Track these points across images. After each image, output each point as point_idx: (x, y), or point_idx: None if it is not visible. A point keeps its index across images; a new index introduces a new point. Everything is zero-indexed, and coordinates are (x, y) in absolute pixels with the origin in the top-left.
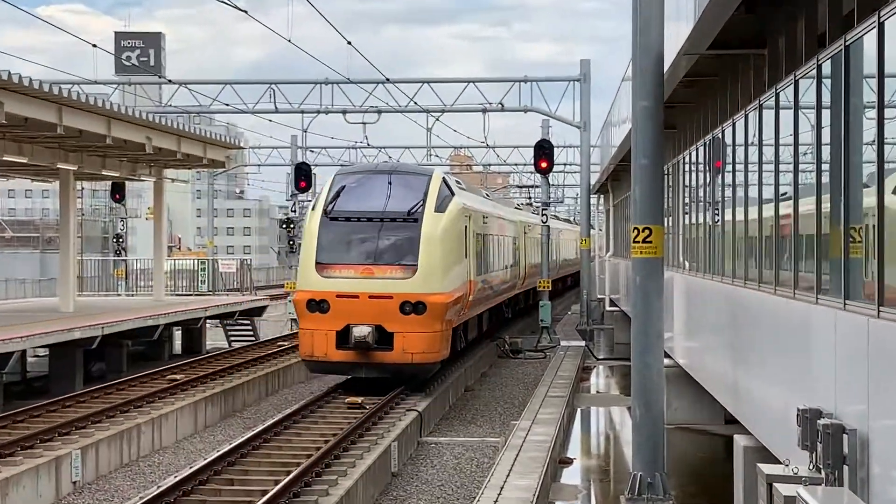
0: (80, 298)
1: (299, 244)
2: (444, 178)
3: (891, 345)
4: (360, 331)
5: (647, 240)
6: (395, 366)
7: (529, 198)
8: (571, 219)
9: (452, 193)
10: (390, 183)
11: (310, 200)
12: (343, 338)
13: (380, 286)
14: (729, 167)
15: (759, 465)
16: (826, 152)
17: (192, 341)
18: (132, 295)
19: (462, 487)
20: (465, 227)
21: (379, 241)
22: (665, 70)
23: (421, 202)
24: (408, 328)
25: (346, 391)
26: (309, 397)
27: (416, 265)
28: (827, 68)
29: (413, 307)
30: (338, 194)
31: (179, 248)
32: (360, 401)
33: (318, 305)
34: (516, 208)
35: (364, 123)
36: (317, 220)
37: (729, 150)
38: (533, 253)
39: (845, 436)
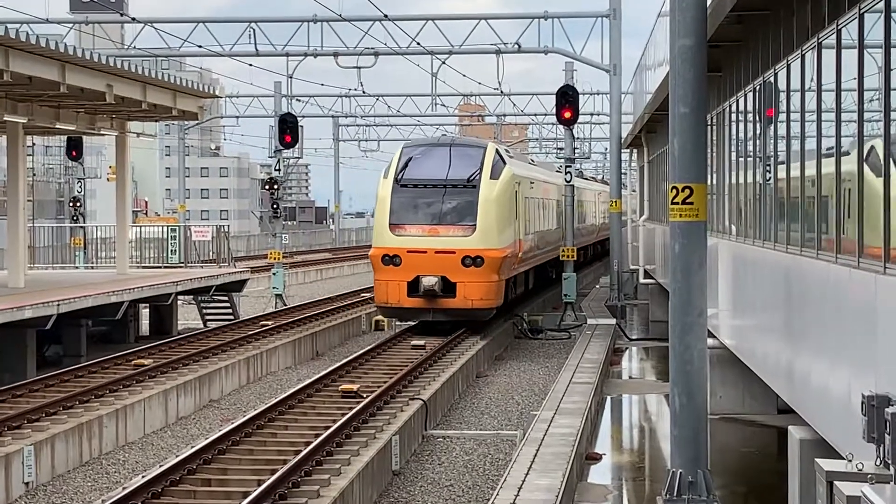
0: (32, 272)
1: (288, 209)
2: (496, 149)
3: None
4: (428, 281)
5: (688, 201)
6: (457, 310)
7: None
8: (600, 177)
9: (504, 162)
10: (451, 154)
11: (296, 157)
12: (413, 287)
13: (444, 243)
14: (783, 116)
15: (817, 460)
16: None
17: (161, 321)
18: (92, 267)
19: (474, 488)
20: (515, 192)
21: (443, 205)
22: (708, 3)
23: (478, 170)
24: (468, 279)
25: (341, 378)
26: (297, 384)
27: (475, 225)
28: None
29: (472, 261)
30: (406, 164)
31: (146, 214)
32: (355, 388)
33: (391, 260)
34: (557, 171)
35: (359, 68)
36: (389, 186)
37: (783, 96)
38: (602, 215)
39: None
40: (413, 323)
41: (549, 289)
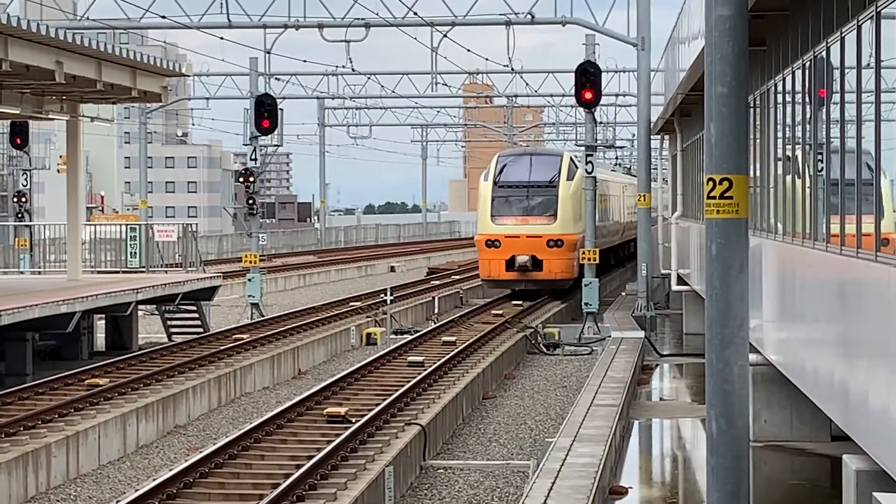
0: None
1: (266, 205)
2: (570, 156)
3: None
4: (522, 259)
5: (727, 195)
6: (544, 281)
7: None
8: (629, 167)
9: (576, 167)
10: (536, 161)
11: (276, 145)
12: (510, 264)
13: (533, 230)
14: (836, 97)
15: (876, 494)
16: None
17: (119, 334)
18: (39, 273)
19: None
20: (581, 191)
21: (531, 200)
22: None
23: (556, 174)
24: (552, 256)
25: (327, 400)
26: (276, 407)
27: (556, 215)
28: None
29: (555, 243)
30: (501, 170)
31: (102, 211)
32: (343, 412)
33: (492, 243)
34: (612, 171)
35: (347, 42)
36: (489, 187)
37: (836, 73)
38: (629, 212)
39: None
40: (405, 338)
41: (608, 272)
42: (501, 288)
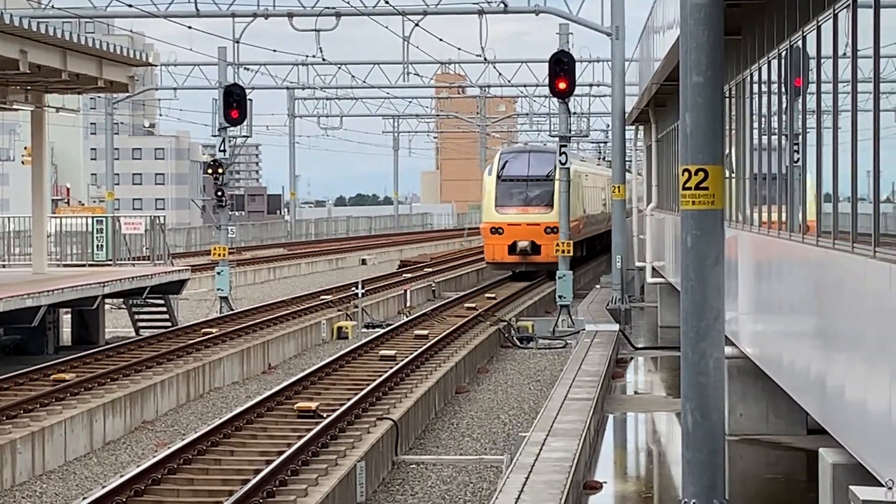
0: None
1: (235, 197)
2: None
3: None
4: (522, 244)
5: (702, 185)
6: (542, 264)
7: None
8: (602, 157)
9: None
10: (535, 157)
11: (245, 136)
12: (511, 249)
13: (532, 218)
14: (813, 87)
15: (852, 488)
16: None
17: (85, 328)
18: (3, 266)
19: None
20: (578, 182)
21: (530, 192)
22: None
23: (552, 168)
24: (549, 242)
25: (298, 395)
26: (246, 402)
27: (552, 205)
28: None
29: (552, 230)
30: (503, 165)
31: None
32: (314, 406)
33: (496, 230)
34: (598, 164)
35: (317, 31)
36: (493, 181)
37: (812, 63)
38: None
39: None
40: (376, 332)
41: (597, 257)
42: (504, 270)
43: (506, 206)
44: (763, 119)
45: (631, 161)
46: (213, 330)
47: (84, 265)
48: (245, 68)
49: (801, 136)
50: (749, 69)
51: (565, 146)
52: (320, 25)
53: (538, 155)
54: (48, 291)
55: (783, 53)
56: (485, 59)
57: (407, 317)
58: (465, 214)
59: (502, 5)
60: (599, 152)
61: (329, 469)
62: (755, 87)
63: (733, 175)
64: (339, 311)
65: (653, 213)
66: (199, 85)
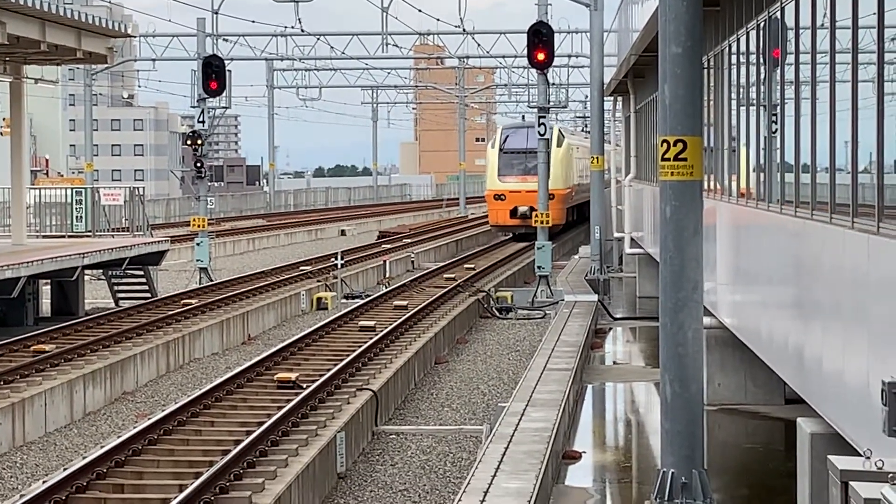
0: None
1: (214, 168)
2: (559, 128)
3: None
4: (522, 209)
5: (681, 156)
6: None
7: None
8: (580, 129)
9: (563, 136)
10: (532, 132)
11: (224, 107)
12: (513, 213)
13: (531, 186)
14: (791, 58)
15: (830, 457)
16: None
17: (65, 299)
18: None
19: (432, 492)
20: (570, 154)
21: (528, 163)
22: None
23: (548, 142)
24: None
25: (277, 366)
26: (226, 373)
27: (549, 174)
28: None
29: (549, 196)
30: (505, 139)
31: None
32: (293, 377)
33: (499, 197)
34: (586, 138)
35: (296, 2)
36: (496, 153)
37: (791, 34)
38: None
39: None
40: (356, 303)
41: (587, 222)
42: (506, 232)
43: (507, 176)
44: (742, 90)
45: (609, 132)
46: (193, 301)
47: (63, 236)
48: (224, 39)
49: (779, 107)
50: (728, 40)
51: (544, 117)
52: None
53: (536, 129)
54: (27, 263)
55: (762, 24)
56: (463, 30)
57: (386, 287)
58: (443, 185)
59: None
60: (577, 124)
61: (309, 440)
62: (734, 57)
63: (712, 146)
64: (318, 281)
65: (631, 184)
66: (178, 56)
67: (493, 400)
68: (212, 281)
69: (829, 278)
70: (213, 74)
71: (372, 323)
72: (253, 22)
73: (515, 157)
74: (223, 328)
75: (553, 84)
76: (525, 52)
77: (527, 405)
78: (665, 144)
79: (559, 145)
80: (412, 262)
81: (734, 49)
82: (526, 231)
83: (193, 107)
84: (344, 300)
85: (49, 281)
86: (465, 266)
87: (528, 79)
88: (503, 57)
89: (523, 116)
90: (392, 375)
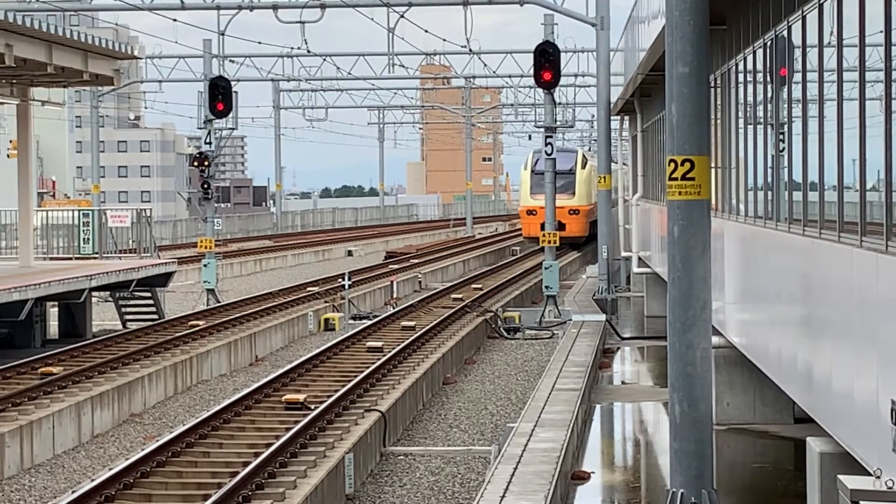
0: None
1: (221, 189)
2: (582, 153)
3: None
4: None
5: (688, 176)
6: (566, 237)
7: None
8: (587, 148)
9: (587, 159)
10: (560, 155)
11: (230, 128)
12: (542, 226)
13: (559, 203)
14: (798, 76)
15: (840, 477)
16: None
17: (72, 322)
18: None
19: None
20: (592, 174)
21: (557, 183)
22: None
23: (574, 164)
24: (571, 221)
25: (285, 387)
26: (234, 395)
27: (574, 193)
28: None
29: (574, 212)
30: (536, 161)
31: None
32: (301, 398)
33: (531, 212)
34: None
35: (302, 23)
36: (528, 174)
37: (798, 52)
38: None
39: None
40: (363, 323)
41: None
42: (537, 243)
43: (538, 194)
44: (749, 109)
45: (616, 151)
46: (200, 322)
47: (70, 258)
48: (230, 60)
49: (786, 125)
50: (734, 59)
51: (551, 137)
52: (305, 17)
53: (563, 153)
54: (35, 285)
55: (769, 43)
56: (470, 49)
57: (394, 308)
58: (450, 205)
59: None
60: (584, 143)
61: (317, 461)
62: (741, 76)
63: (719, 165)
64: (325, 302)
65: (638, 203)
66: (185, 78)
67: (501, 420)
68: (219, 302)
69: (838, 297)
70: (220, 95)
71: (380, 343)
72: (259, 43)
73: (544, 178)
74: (231, 349)
75: (559, 103)
76: (531, 71)
77: (535, 425)
78: (672, 164)
79: (583, 167)
80: (419, 282)
81: (741, 68)
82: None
83: (200, 128)
84: (351, 321)
85: (56, 303)
86: (473, 286)
87: (534, 98)
88: (509, 76)
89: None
90: (400, 396)
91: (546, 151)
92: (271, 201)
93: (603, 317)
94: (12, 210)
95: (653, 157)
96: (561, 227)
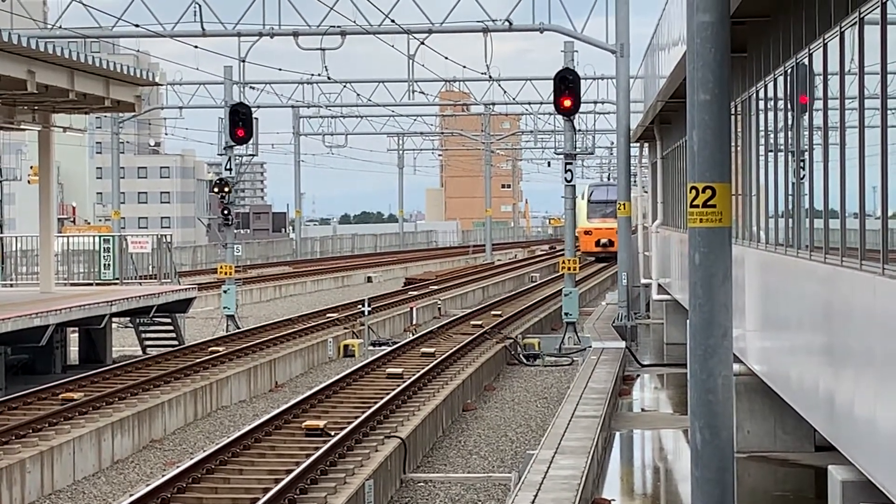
0: None
1: (241, 215)
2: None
3: None
4: (603, 240)
5: (709, 203)
6: (614, 253)
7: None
8: (606, 176)
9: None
10: (610, 188)
11: (251, 154)
12: (596, 243)
13: (609, 225)
14: (819, 104)
15: None
16: None
17: (93, 347)
18: (11, 285)
19: None
20: (638, 202)
21: (607, 209)
22: None
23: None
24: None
25: (305, 413)
26: (254, 421)
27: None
28: None
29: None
30: (592, 192)
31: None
32: (321, 425)
33: (588, 232)
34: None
35: (323, 50)
36: (585, 203)
37: (819, 80)
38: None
39: None
40: (383, 350)
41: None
42: (592, 257)
43: (593, 218)
44: (770, 136)
45: (636, 177)
46: (220, 348)
47: (91, 284)
48: (251, 87)
49: (807, 153)
50: (755, 86)
51: (570, 164)
52: (326, 44)
53: (612, 187)
54: (56, 311)
55: (789, 70)
56: (489, 76)
57: (413, 334)
58: (470, 232)
59: (507, 23)
60: (603, 169)
61: (338, 487)
62: (761, 103)
63: (740, 192)
64: (345, 328)
65: (658, 230)
66: (205, 104)
67: (521, 447)
68: (239, 328)
69: (860, 325)
70: (240, 122)
71: (399, 370)
72: (279, 70)
73: (598, 206)
74: (250, 375)
75: (579, 130)
76: (551, 98)
77: (555, 453)
78: (693, 191)
79: (628, 199)
80: (439, 308)
81: (762, 95)
82: (605, 255)
83: (220, 154)
84: (371, 347)
85: (77, 329)
86: (492, 313)
87: (554, 125)
88: (529, 103)
89: (609, 176)
90: (420, 423)
91: (566, 178)
92: (291, 227)
93: (622, 344)
94: (33, 236)
95: (673, 183)
96: (610, 243)
